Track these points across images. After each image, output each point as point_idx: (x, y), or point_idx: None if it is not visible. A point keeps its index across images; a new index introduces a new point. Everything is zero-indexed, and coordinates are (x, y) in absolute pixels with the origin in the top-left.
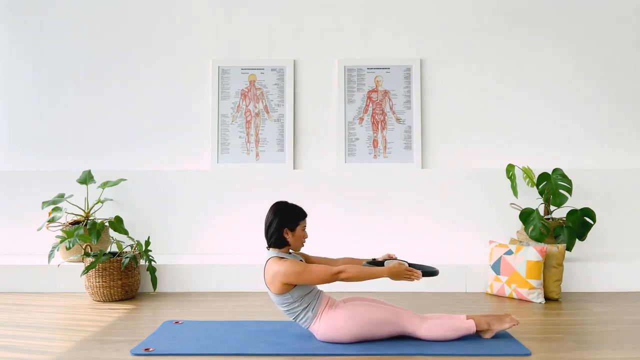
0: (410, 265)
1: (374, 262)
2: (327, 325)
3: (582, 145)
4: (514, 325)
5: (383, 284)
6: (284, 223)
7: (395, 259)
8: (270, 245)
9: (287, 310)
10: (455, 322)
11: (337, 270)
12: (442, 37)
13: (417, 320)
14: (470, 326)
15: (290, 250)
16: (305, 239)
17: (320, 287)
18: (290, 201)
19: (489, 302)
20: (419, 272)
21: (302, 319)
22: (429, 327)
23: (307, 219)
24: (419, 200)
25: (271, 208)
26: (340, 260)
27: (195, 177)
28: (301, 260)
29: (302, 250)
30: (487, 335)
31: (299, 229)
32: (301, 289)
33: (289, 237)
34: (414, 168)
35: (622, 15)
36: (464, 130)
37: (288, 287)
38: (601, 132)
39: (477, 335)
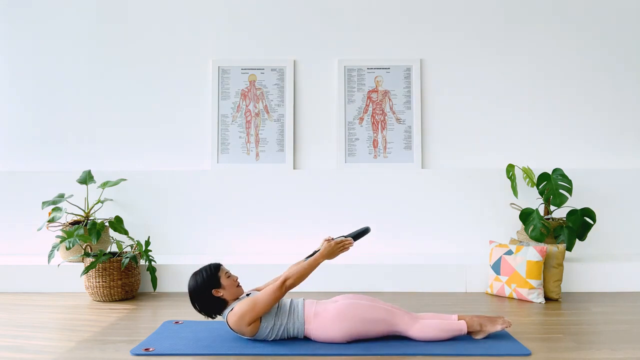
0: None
1: (315, 253)
2: (319, 326)
3: (582, 145)
4: (506, 327)
5: (381, 284)
6: (208, 286)
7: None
8: (216, 313)
9: (274, 336)
10: (447, 322)
11: (281, 281)
12: (442, 37)
13: (409, 319)
14: (462, 327)
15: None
16: (237, 280)
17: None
18: (197, 267)
19: (489, 302)
20: (350, 239)
21: (291, 332)
22: (420, 327)
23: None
24: (418, 200)
25: (188, 286)
26: (285, 272)
27: (195, 177)
28: (248, 295)
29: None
30: (479, 336)
31: (223, 280)
32: (267, 314)
33: (221, 293)
34: (414, 168)
35: (623, 15)
36: (464, 130)
37: (256, 324)
38: (601, 132)
39: (468, 336)
